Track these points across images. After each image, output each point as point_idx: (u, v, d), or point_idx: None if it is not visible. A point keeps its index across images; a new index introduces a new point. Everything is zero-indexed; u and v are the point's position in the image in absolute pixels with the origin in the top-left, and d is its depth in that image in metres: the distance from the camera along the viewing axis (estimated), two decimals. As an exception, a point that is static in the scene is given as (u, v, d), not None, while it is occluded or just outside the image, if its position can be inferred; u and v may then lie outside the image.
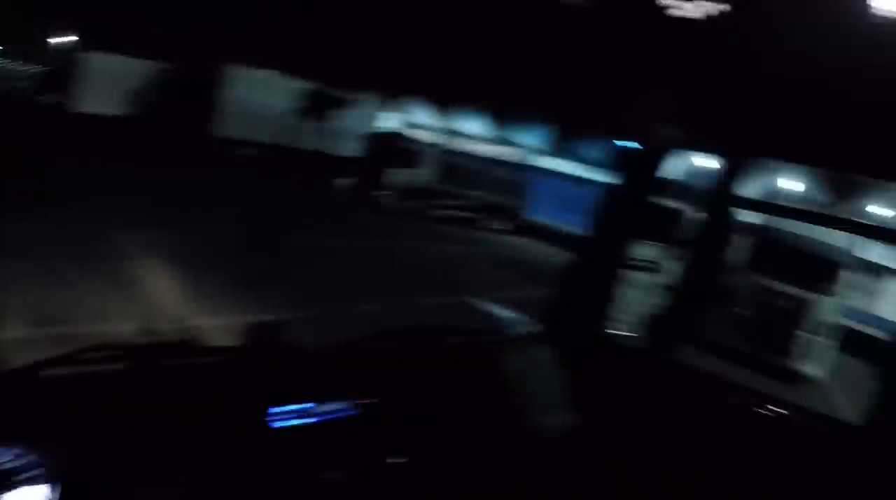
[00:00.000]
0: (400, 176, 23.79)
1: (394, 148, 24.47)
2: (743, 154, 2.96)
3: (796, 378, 12.07)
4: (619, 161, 3.07)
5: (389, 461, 1.88)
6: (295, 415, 1.69)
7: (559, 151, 32.71)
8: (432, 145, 27.18)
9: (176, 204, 12.27)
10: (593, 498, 2.70)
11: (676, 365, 3.08)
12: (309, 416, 1.72)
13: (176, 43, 24.63)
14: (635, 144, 2.98)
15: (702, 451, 2.74)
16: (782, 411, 2.92)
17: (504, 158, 34.11)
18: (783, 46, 2.05)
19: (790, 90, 2.27)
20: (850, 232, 13.36)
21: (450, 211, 25.62)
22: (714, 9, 1.79)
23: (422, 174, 24.63)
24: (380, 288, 10.14)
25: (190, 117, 23.62)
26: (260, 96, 26.01)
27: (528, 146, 35.73)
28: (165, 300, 6.72)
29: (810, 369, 12.25)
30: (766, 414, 2.85)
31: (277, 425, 1.65)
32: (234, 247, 9.69)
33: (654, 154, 2.99)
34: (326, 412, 1.76)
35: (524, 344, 2.78)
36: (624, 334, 3.13)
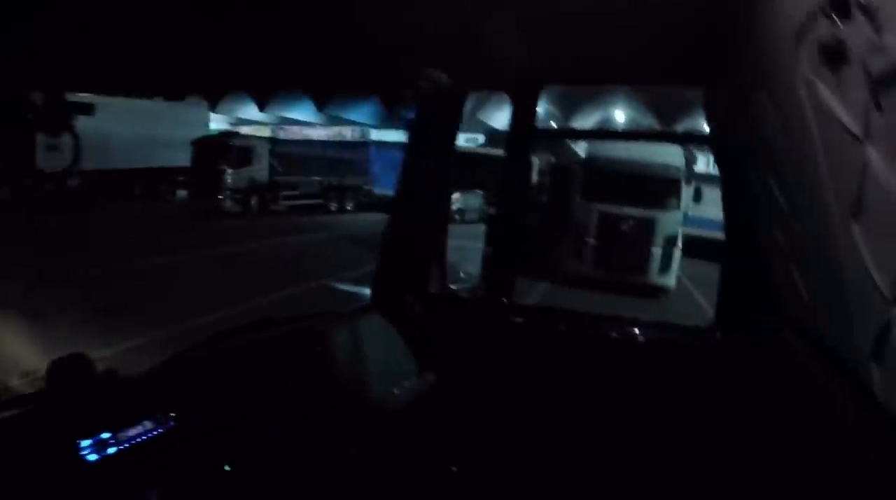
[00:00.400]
0: (237, 176, 22.91)
1: (225, 149, 23.31)
2: (526, 88, 2.97)
3: (654, 290, 12.76)
4: (411, 115, 3.02)
5: (227, 467, 1.82)
6: (112, 443, 1.63)
7: (393, 121, 32.72)
8: (264, 139, 26.38)
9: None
10: (457, 452, 2.65)
11: (519, 308, 3.09)
12: (125, 441, 1.65)
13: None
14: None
15: (562, 386, 2.75)
16: (633, 330, 2.94)
17: (340, 138, 33.66)
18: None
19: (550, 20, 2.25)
20: (665, 142, 14.25)
21: (295, 201, 25.12)
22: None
23: (259, 170, 23.78)
24: (235, 292, 9.67)
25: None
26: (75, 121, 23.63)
27: (361, 122, 35.54)
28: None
29: (664, 280, 12.97)
30: (618, 337, 2.90)
31: (93, 457, 1.58)
32: (66, 282, 8.90)
33: (439, 102, 2.93)
34: (143, 433, 1.70)
35: (358, 317, 2.69)
36: (462, 287, 3.12)
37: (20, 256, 10.50)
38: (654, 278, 13.07)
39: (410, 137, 3.02)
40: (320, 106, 34.20)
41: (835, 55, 1.14)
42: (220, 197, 22.51)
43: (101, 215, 18.45)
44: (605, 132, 25.12)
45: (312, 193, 26.11)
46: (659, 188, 13.41)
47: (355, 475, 2.18)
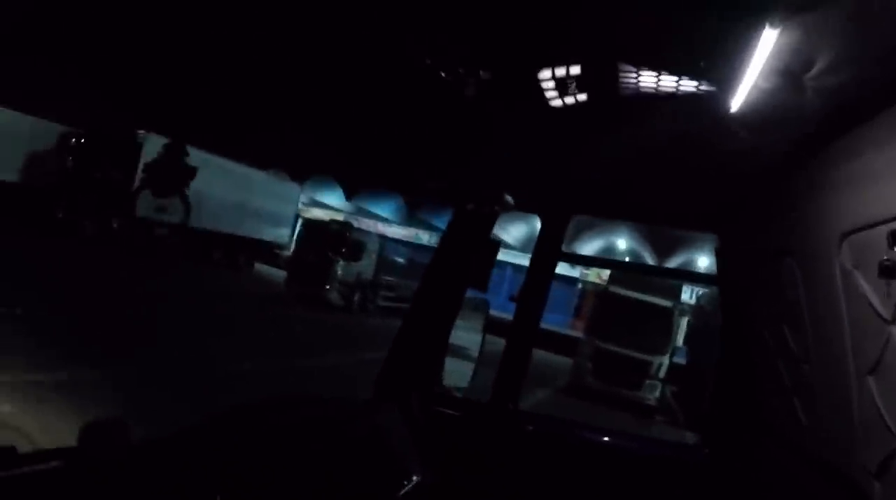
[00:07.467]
0: (347, 269, 22.75)
1: (341, 239, 22.99)
2: (561, 214, 3.20)
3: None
4: (455, 223, 3.16)
5: None
6: None
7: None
8: (374, 235, 26.58)
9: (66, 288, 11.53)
10: None
11: (524, 415, 3.18)
12: None
13: (83, 100, 19.30)
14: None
15: (557, 493, 2.90)
16: (627, 442, 3.20)
17: (416, 240, 33.94)
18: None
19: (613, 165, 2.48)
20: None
21: (391, 302, 24.50)
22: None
23: (367, 266, 23.59)
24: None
25: (95, 190, 20.58)
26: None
27: (443, 229, 35.80)
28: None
29: None
30: (614, 449, 3.05)
31: None
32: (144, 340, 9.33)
33: (488, 216, 3.13)
34: None
35: (373, 408, 2.81)
36: (455, 387, 3.19)
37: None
38: None
39: (443, 244, 3.15)
40: (412, 209, 35.47)
41: (890, 272, 1.36)
42: (326, 287, 22.24)
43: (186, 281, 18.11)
44: (621, 263, 27.64)
45: (405, 297, 25.46)
46: None
47: None
